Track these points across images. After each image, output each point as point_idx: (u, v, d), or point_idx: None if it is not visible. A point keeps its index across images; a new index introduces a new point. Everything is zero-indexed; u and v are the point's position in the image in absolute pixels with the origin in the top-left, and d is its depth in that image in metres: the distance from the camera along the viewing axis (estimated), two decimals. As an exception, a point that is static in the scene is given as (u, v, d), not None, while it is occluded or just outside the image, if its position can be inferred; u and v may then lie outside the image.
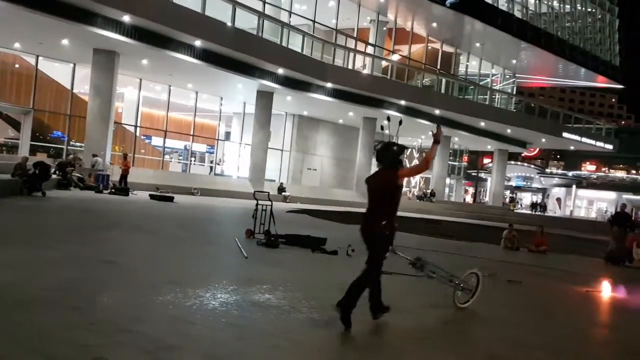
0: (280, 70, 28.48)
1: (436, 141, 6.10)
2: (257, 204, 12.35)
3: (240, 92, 32.72)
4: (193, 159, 37.67)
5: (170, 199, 22.29)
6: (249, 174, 32.50)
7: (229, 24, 25.73)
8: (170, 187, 26.18)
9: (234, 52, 25.88)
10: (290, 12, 32.61)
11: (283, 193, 32.42)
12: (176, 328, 5.15)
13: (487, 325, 7.13)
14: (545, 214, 46.41)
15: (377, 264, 6.38)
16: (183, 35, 24.11)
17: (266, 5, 30.75)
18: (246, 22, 27.30)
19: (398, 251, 6.78)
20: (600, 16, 47.84)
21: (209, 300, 6.35)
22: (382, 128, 6.97)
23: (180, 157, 38.28)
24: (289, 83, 29.71)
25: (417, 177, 52.21)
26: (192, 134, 35.39)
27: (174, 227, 13.96)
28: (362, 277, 6.19)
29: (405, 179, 7.14)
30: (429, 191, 42.69)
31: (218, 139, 38.39)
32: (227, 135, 40.92)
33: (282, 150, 39.04)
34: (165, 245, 10.62)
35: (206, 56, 25.73)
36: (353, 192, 37.20)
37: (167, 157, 36.81)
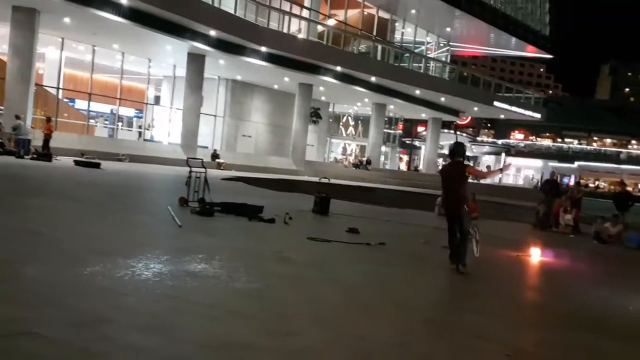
0: (213, 32, 27.62)
1: (500, 170, 9.60)
2: (190, 171, 11.95)
3: (170, 54, 31.67)
4: (120, 123, 36.38)
5: (97, 165, 21.43)
6: (180, 140, 31.67)
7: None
8: (96, 153, 25.21)
9: (162, 12, 24.88)
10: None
11: (217, 160, 31.82)
12: (107, 300, 4.90)
13: (423, 290, 7.16)
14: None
15: (466, 230, 8.44)
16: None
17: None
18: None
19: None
20: (531, -15, 48.89)
21: (142, 271, 6.08)
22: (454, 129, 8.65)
23: (107, 122, 36.93)
24: (221, 46, 28.93)
25: (353, 145, 52.47)
26: (118, 97, 34.10)
27: (102, 195, 13.40)
28: (463, 240, 8.40)
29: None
30: (364, 159, 42.95)
31: (147, 103, 37.27)
32: (157, 99, 39.78)
33: (215, 116, 38.23)
34: (92, 214, 10.15)
35: (133, 15, 24.63)
36: (289, 159, 36.96)
37: (92, 121, 35.39)
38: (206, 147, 34.76)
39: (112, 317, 4.45)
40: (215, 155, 32.59)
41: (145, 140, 35.72)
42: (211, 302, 5.26)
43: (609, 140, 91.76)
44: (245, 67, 32.73)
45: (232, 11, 28.79)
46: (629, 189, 35.38)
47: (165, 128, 36.93)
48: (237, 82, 38.50)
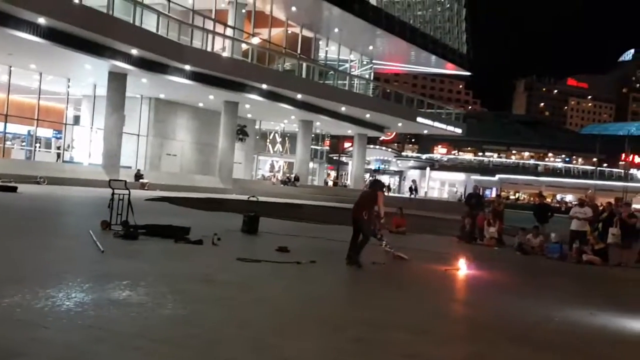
0: (134, 51, 27.02)
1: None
2: (113, 193, 11.52)
3: (90, 73, 30.74)
4: (38, 144, 34.87)
5: (13, 189, 20.46)
6: (102, 161, 30.65)
7: (76, 0, 23.94)
8: (12, 176, 24.08)
9: (82, 31, 24.13)
10: (144, -9, 31.01)
11: (141, 180, 30.97)
12: (25, 333, 4.61)
13: (352, 308, 7.11)
14: (417, 196, 48.43)
15: (366, 235, 10.50)
16: (24, 12, 22.09)
17: (117, -18, 29.06)
18: (95, -1, 25.65)
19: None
20: (448, 5, 50.52)
21: (62, 301, 5.77)
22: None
23: (24, 143, 35.32)
24: (144, 64, 28.32)
25: (281, 162, 52.38)
26: (36, 118, 32.72)
27: (19, 220, 12.72)
28: (362, 241, 10.42)
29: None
30: (292, 176, 42.92)
31: (66, 124, 35.97)
32: (77, 119, 38.46)
33: (138, 135, 37.27)
34: (8, 240, 9.59)
35: (51, 35, 23.77)
36: (216, 177, 36.42)
37: (8, 143, 33.78)
38: (129, 167, 33.79)
39: (28, 351, 4.19)
40: (138, 176, 31.71)
41: (64, 161, 34.37)
42: (136, 331, 5.03)
43: (527, 153, 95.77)
44: (168, 85, 32.16)
45: (154, 30, 28.27)
46: (548, 200, 36.98)
47: (85, 149, 35.69)
48: (161, 100, 37.75)
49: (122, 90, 30.22)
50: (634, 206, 21.61)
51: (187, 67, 29.71)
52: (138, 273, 7.66)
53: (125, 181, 12.54)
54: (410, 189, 48.32)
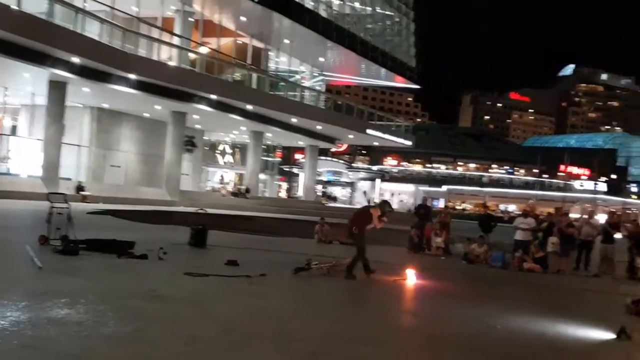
0: (76, 59, 26.25)
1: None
2: (51, 207, 11.01)
3: (29, 82, 29.76)
4: (-29, 156, 33.45)
5: (-53, 203, 19.42)
6: (41, 173, 29.56)
7: (14, 7, 23.09)
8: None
9: (19, 38, 23.30)
10: (85, -3, 30.30)
11: (82, 192, 30.00)
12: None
13: (305, 321, 6.98)
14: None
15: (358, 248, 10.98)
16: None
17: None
18: (35, 5, 24.78)
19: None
20: (398, 20, 51.22)
21: (-4, 321, 5.42)
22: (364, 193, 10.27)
23: (-45, 155, 33.83)
24: (86, 73, 27.54)
25: (231, 174, 51.80)
26: (-29, 128, 31.40)
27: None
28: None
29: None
30: (243, 187, 42.46)
31: (2, 134, 34.69)
32: (14, 129, 37.16)
33: (79, 146, 36.17)
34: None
35: (-15, 43, 22.89)
36: (162, 189, 35.63)
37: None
38: (70, 179, 32.74)
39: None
40: (80, 188, 30.71)
41: (0, 173, 33.00)
42: (76, 351, 4.81)
43: (472, 165, 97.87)
44: (112, 94, 31.38)
45: (97, 37, 27.55)
46: (492, 211, 37.79)
47: (23, 160, 34.35)
48: (104, 110, 36.76)
49: (62, 100, 29.28)
50: (572, 215, 22.29)
51: (132, 76, 29.06)
52: (78, 290, 7.31)
53: (65, 194, 12.05)
54: (368, 202, 48.57)
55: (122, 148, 38.67)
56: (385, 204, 11.77)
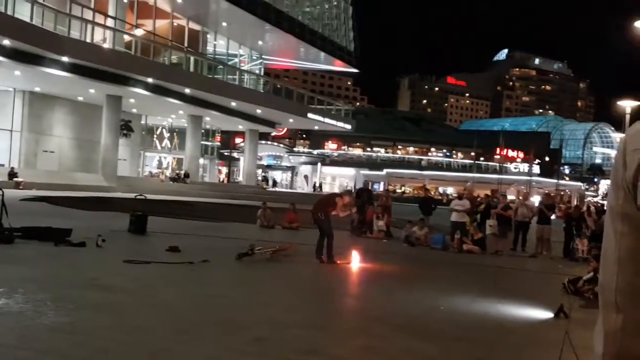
0: (6, 42, 25.17)
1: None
2: (-16, 194, 10.64)
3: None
4: None
5: None
6: (-29, 159, 28.40)
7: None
8: None
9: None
10: (15, -23, 28.99)
11: (15, 179, 28.96)
12: None
13: (249, 307, 7.02)
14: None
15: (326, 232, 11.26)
16: None
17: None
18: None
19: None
20: (335, 3, 51.18)
21: None
22: None
23: None
24: (16, 56, 26.45)
25: (169, 158, 50.90)
26: None
27: None
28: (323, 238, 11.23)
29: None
30: (182, 172, 41.82)
31: None
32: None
33: (11, 131, 34.77)
34: None
35: None
36: (99, 175, 34.70)
37: None
38: (2, 165, 31.54)
39: None
40: (12, 174, 29.64)
41: None
42: (15, 342, 4.71)
43: (411, 148, 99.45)
44: (44, 78, 30.24)
45: (27, 19, 26.47)
46: (431, 194, 38.63)
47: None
48: (36, 94, 35.41)
49: (-8, 83, 28.13)
50: (508, 197, 23.04)
51: (65, 59, 28.08)
52: (15, 279, 7.14)
53: (-2, 181, 11.64)
54: (314, 186, 48.75)
55: (56, 133, 37.41)
56: (348, 193, 12.08)
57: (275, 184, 65.12)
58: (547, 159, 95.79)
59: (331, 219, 11.45)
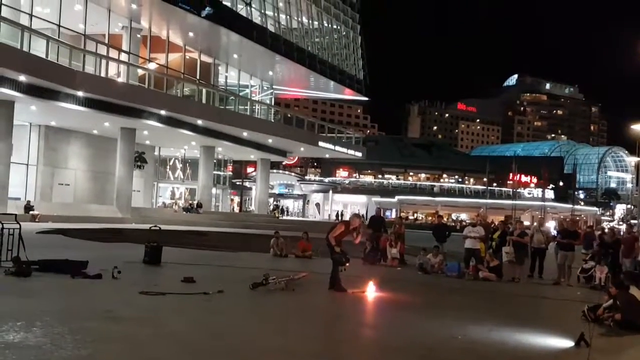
0: (22, 78, 25.71)
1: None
2: (2, 228, 10.77)
3: (-26, 100, 28.81)
4: None
5: None
6: (-12, 193, 28.69)
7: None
8: None
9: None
10: (31, 15, 29.62)
11: (31, 212, 29.24)
12: None
13: (263, 337, 7.00)
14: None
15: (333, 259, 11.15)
16: None
17: (2, 7, 27.58)
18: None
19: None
20: (344, 33, 51.78)
21: (-51, 349, 5.30)
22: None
23: None
24: (33, 91, 26.95)
25: (182, 189, 51.21)
26: None
27: None
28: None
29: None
30: (195, 202, 42.01)
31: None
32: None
33: (27, 165, 35.24)
34: None
35: None
36: (113, 207, 34.96)
37: None
38: (18, 199, 31.85)
39: None
40: (28, 207, 29.93)
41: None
42: (34, 376, 4.70)
43: (423, 175, 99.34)
44: (60, 112, 30.74)
45: (43, 55, 27.03)
46: (445, 220, 38.42)
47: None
48: (52, 127, 35.94)
49: (9, 118, 28.52)
50: (524, 222, 22.83)
51: (80, 93, 28.57)
52: (33, 312, 7.19)
53: (15, 215, 11.80)
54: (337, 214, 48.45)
55: (71, 166, 37.85)
56: (356, 216, 12.02)
57: (282, 212, 64.93)
58: (561, 183, 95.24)
59: (343, 246, 11.33)
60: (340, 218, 49.04)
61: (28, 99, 27.57)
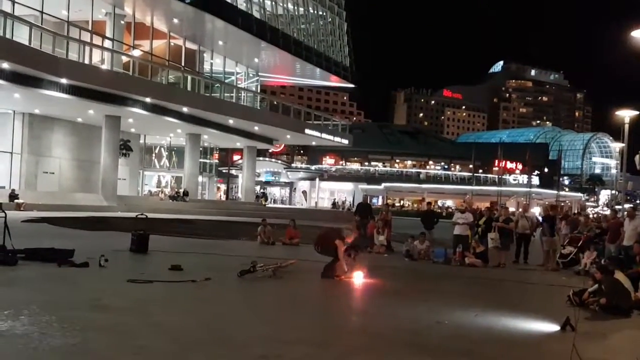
0: (5, 65, 25.38)
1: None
2: (-14, 217, 10.67)
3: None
4: None
5: None
6: (-28, 182, 28.45)
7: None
8: None
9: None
10: (13, 2, 29.16)
11: (16, 201, 29.00)
12: None
13: (253, 325, 7.02)
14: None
15: None
16: None
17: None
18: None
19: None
20: (330, 19, 51.55)
21: None
22: None
23: None
24: (15, 78, 26.64)
25: (168, 177, 50.98)
26: None
27: None
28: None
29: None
30: (181, 190, 41.84)
31: None
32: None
33: (11, 153, 34.87)
34: None
35: None
36: (99, 195, 34.72)
37: None
38: (3, 187, 31.58)
39: None
40: (13, 196, 29.68)
41: None
42: (23, 365, 4.68)
43: (409, 162, 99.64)
44: (43, 99, 30.41)
45: (26, 42, 26.68)
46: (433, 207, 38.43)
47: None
48: (35, 115, 35.55)
49: (-8, 106, 28.26)
50: (509, 209, 22.97)
51: (64, 81, 28.26)
52: (20, 301, 7.15)
53: (0, 203, 11.68)
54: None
55: (56, 154, 37.50)
56: (352, 229, 12.06)
57: (265, 198, 64.67)
58: (546, 170, 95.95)
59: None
60: (335, 207, 48.91)
61: (11, 87, 27.26)
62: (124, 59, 34.89)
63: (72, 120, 37.39)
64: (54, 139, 37.32)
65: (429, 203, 24.24)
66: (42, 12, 30.50)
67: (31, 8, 30.33)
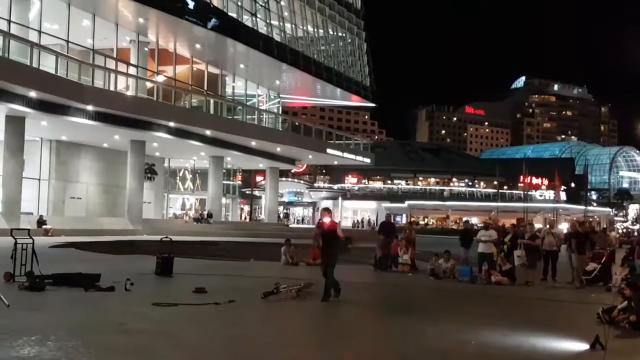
0: (32, 93, 25.97)
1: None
2: (15, 243, 10.87)
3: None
4: None
5: None
6: (1, 208, 28.95)
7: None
8: None
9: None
10: (39, 32, 29.93)
11: (44, 227, 29.44)
12: None
13: (277, 345, 7.02)
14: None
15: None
16: None
17: (12, 24, 27.90)
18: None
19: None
20: (350, 40, 51.94)
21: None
22: None
23: None
24: (43, 106, 27.21)
25: (192, 199, 51.40)
26: None
27: None
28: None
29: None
30: (205, 213, 42.13)
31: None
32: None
33: (39, 180, 35.51)
34: None
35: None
36: (125, 219, 35.15)
37: None
38: (31, 214, 32.06)
39: None
40: (41, 222, 30.15)
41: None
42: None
43: (432, 179, 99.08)
44: (70, 126, 31.01)
45: (52, 71, 27.29)
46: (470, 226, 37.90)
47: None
48: (62, 142, 36.22)
49: (20, 134, 28.79)
50: (536, 225, 22.63)
51: (90, 108, 28.80)
52: (48, 326, 7.26)
53: (29, 229, 11.90)
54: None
55: (82, 179, 38.10)
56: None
57: (288, 219, 64.62)
58: (572, 185, 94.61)
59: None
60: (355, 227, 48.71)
61: (38, 115, 27.83)
62: (148, 84, 35.46)
63: (98, 145, 38.01)
64: (81, 164, 37.94)
65: (467, 221, 23.95)
66: (67, 41, 31.19)
67: (57, 37, 31.10)
